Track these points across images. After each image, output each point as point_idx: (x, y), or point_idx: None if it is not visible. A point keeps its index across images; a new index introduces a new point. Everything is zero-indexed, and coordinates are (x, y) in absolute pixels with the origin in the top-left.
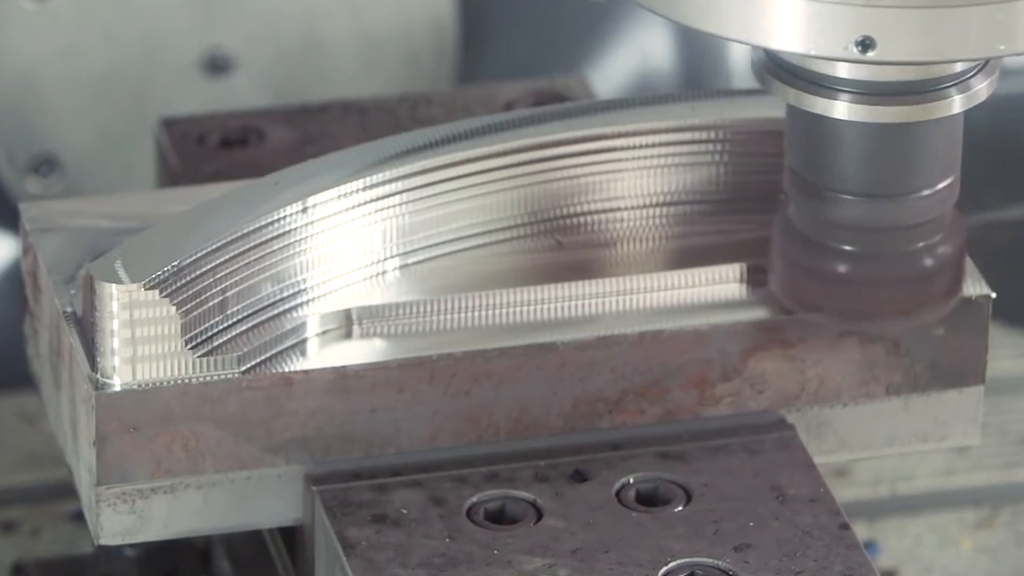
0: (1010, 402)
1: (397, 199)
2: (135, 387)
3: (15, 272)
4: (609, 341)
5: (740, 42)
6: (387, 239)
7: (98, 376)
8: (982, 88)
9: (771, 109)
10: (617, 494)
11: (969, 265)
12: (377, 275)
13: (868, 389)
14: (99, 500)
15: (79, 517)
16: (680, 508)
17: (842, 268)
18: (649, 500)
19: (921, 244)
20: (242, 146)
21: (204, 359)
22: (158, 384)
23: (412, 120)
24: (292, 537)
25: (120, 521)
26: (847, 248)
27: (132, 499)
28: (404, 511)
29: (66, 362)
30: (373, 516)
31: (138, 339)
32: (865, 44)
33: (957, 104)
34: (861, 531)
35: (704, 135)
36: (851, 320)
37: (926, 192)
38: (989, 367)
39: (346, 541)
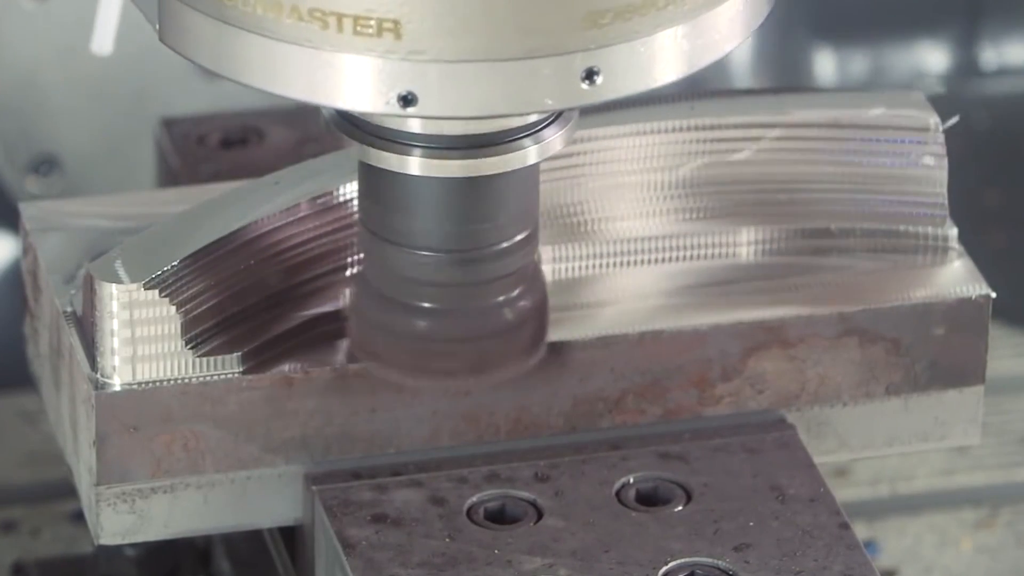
0: (1010, 402)
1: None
2: (135, 387)
3: (15, 272)
4: (609, 341)
5: (288, 97)
6: None
7: (98, 376)
8: (556, 139)
9: (771, 109)
10: (617, 494)
11: (969, 265)
12: None
13: (868, 389)
14: (99, 500)
15: (79, 517)
16: (680, 508)
17: (420, 325)
18: (649, 500)
19: (500, 298)
20: (242, 146)
21: (204, 359)
22: (158, 384)
23: None
24: (292, 537)
25: (120, 521)
26: (424, 305)
27: (132, 499)
28: (398, 507)
29: (66, 362)
30: (373, 516)
31: (138, 339)
32: (407, 99)
33: (532, 155)
34: (861, 531)
35: (704, 135)
36: (431, 377)
37: (504, 245)
38: (989, 367)
39: (346, 541)
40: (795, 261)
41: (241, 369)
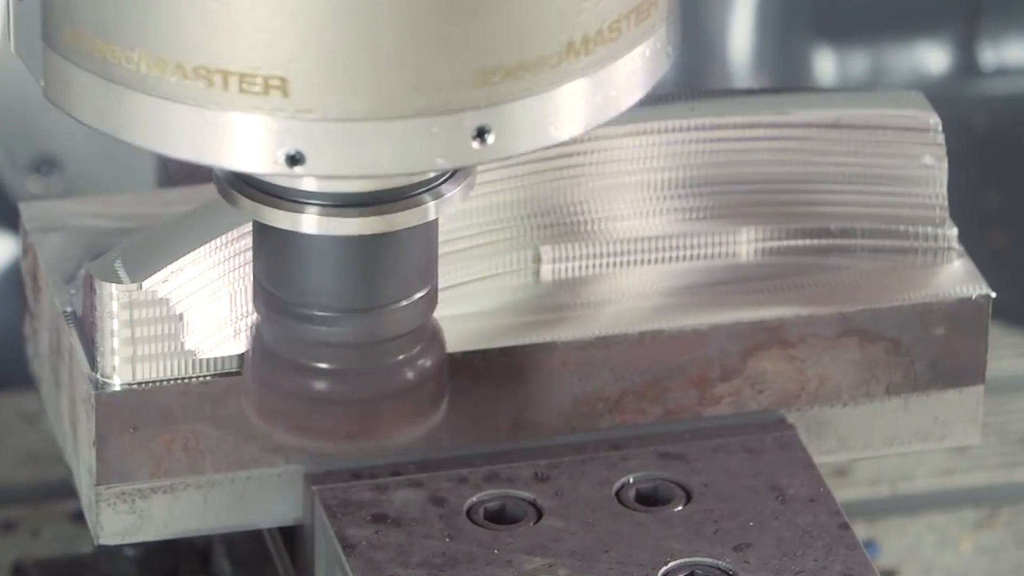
0: (1010, 402)
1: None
2: (135, 387)
3: (15, 272)
4: (609, 341)
5: (174, 157)
6: None
7: (98, 376)
8: (455, 194)
9: (771, 109)
10: (617, 494)
11: (969, 265)
12: None
13: (868, 389)
14: (99, 500)
15: (79, 517)
16: (680, 508)
17: (317, 386)
18: (649, 500)
19: (398, 358)
20: None
21: (204, 359)
22: (158, 384)
23: None
24: (292, 537)
25: (120, 521)
26: (321, 366)
27: (132, 499)
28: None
29: (66, 362)
30: (373, 516)
31: (138, 339)
32: (295, 158)
33: (430, 211)
34: (861, 531)
35: (704, 135)
36: (328, 440)
37: (402, 303)
38: (989, 367)
39: (346, 541)
40: (795, 261)
41: (241, 369)
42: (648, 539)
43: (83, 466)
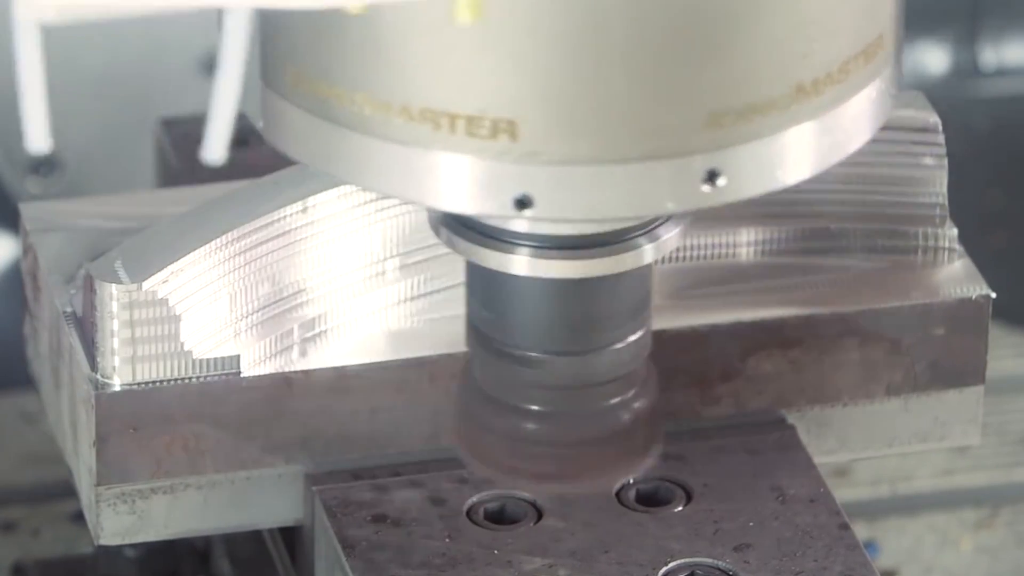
0: (1010, 402)
1: (397, 199)
2: (135, 387)
3: (15, 272)
4: None
5: (401, 199)
6: (387, 239)
7: (98, 376)
8: (672, 237)
9: None
10: (617, 494)
11: (969, 265)
12: (377, 275)
13: (868, 389)
14: (99, 500)
15: (79, 517)
16: (680, 508)
17: (530, 428)
18: (649, 500)
19: (613, 401)
20: (242, 146)
21: (204, 359)
22: (158, 384)
23: None
24: (292, 537)
25: (120, 521)
26: (534, 408)
27: (132, 499)
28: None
29: (66, 362)
30: (373, 516)
31: (138, 339)
32: (522, 202)
33: (647, 255)
34: (861, 531)
35: None
36: (539, 481)
37: (615, 346)
38: (989, 367)
39: (346, 541)
40: (795, 261)
41: (241, 369)
42: (648, 539)
43: (83, 466)
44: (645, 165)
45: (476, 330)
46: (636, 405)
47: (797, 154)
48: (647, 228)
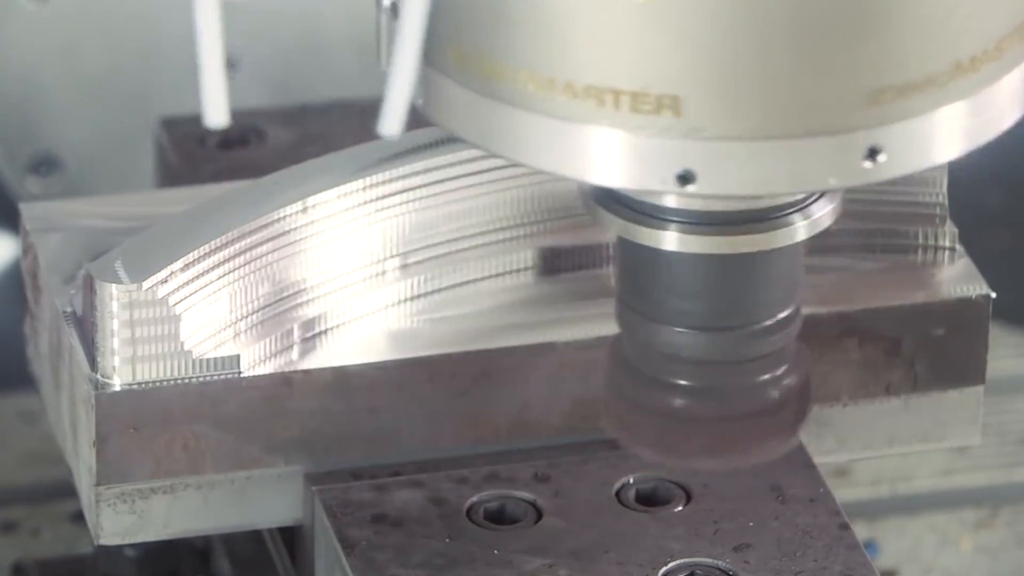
0: (1010, 402)
1: (397, 199)
2: (135, 387)
3: (15, 272)
4: (609, 341)
5: (560, 176)
6: (387, 239)
7: (98, 376)
8: (825, 215)
9: None
10: (617, 494)
11: (969, 265)
12: (377, 275)
13: (868, 389)
14: (99, 500)
15: (79, 517)
16: (680, 508)
17: (678, 404)
18: (649, 500)
19: (763, 377)
20: (242, 146)
21: (204, 359)
22: (158, 384)
23: (412, 120)
24: (292, 537)
25: (120, 521)
26: (683, 383)
27: (132, 499)
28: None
29: (66, 362)
30: (373, 516)
31: (138, 339)
32: (685, 177)
33: (800, 232)
34: (861, 531)
35: None
36: (688, 457)
37: (767, 323)
38: (989, 367)
39: (346, 541)
40: None
41: (241, 369)
42: (648, 539)
43: (83, 466)
44: (808, 141)
45: (628, 308)
46: (786, 382)
47: (952, 131)
48: (801, 205)
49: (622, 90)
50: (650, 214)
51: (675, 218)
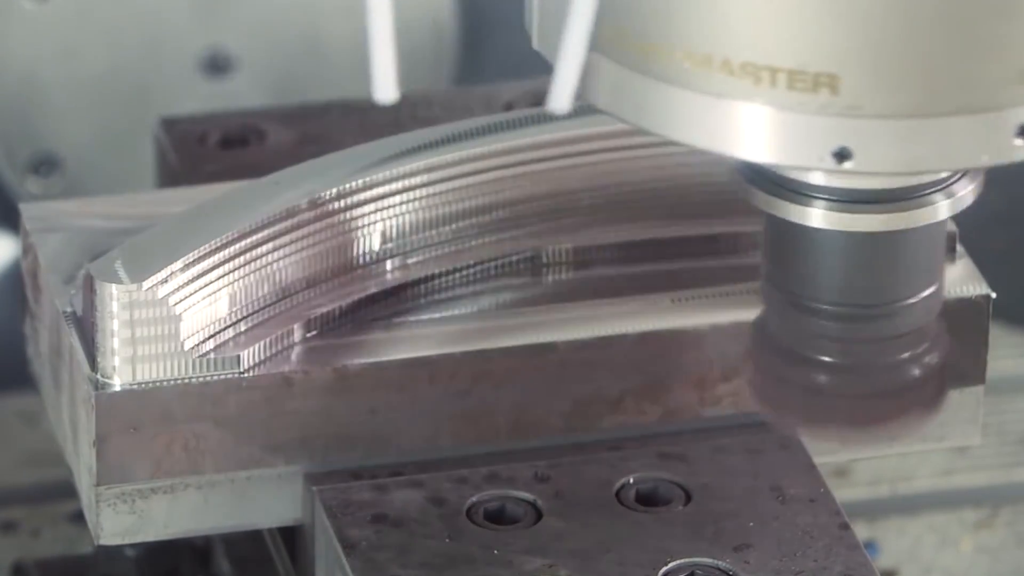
0: (1010, 402)
1: (397, 199)
2: (135, 387)
3: (15, 272)
4: (609, 341)
5: (714, 152)
6: (387, 239)
7: (98, 376)
8: (967, 193)
9: None
10: (617, 494)
11: (969, 265)
12: (377, 275)
13: None
14: (99, 500)
15: (79, 517)
16: (680, 508)
17: (822, 380)
18: (649, 500)
19: (904, 355)
20: (242, 146)
21: (204, 359)
22: (158, 384)
23: (412, 120)
24: (292, 537)
25: (120, 521)
26: (827, 359)
27: (132, 499)
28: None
29: (66, 362)
30: (373, 516)
31: (138, 339)
32: (842, 155)
33: (943, 210)
34: (861, 531)
35: None
36: (829, 431)
37: (910, 301)
38: (989, 367)
39: (346, 541)
40: None
41: (241, 369)
42: (648, 539)
43: (83, 466)
44: (962, 119)
45: (772, 283)
46: (927, 360)
47: None
48: (944, 184)
49: (779, 67)
50: (797, 191)
51: (822, 195)
